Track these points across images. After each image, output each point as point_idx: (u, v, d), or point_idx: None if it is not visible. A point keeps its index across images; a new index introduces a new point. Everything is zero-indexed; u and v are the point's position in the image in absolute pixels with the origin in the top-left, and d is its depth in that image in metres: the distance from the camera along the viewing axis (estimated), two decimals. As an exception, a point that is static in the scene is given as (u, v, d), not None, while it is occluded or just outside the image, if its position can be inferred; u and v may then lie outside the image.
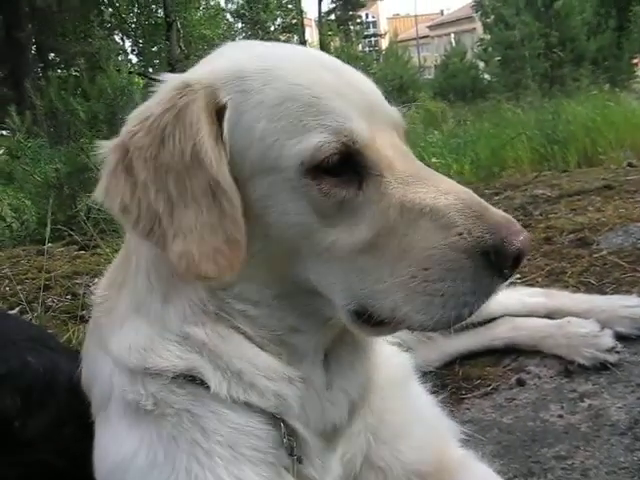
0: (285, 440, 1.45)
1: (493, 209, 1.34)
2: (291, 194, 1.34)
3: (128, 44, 37.59)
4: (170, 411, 1.42)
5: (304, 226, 1.35)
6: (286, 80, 1.37)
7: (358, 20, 61.78)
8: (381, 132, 1.40)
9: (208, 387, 1.41)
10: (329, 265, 1.36)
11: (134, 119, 1.39)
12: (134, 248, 1.51)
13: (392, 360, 1.80)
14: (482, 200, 1.36)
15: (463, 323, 1.35)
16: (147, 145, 1.32)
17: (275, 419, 1.44)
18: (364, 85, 1.48)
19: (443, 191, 1.33)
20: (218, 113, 1.37)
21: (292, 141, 1.32)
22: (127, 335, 1.46)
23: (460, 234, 1.28)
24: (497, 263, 1.28)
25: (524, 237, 1.29)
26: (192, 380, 1.42)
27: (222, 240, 1.30)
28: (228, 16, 50.12)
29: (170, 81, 1.41)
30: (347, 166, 1.34)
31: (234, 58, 1.45)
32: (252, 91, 1.37)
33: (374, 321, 1.38)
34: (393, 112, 1.51)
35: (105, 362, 1.51)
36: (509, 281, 1.34)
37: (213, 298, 1.41)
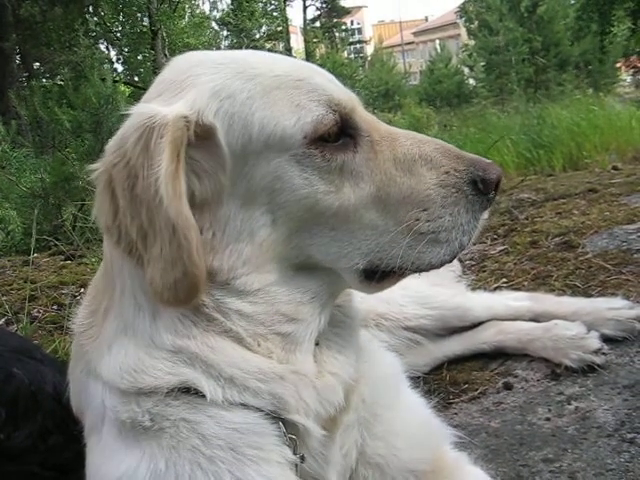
0: (286, 439, 1.46)
1: (465, 152, 1.56)
2: (298, 168, 1.44)
3: (113, 53, 37.57)
4: (167, 423, 1.41)
5: (311, 197, 1.45)
6: (265, 75, 1.47)
7: (343, 27, 62.00)
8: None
9: (203, 396, 1.41)
10: (335, 232, 1.48)
11: (113, 149, 1.41)
12: (117, 272, 1.50)
13: (383, 357, 1.84)
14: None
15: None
16: (124, 177, 1.36)
17: (274, 418, 1.45)
18: (325, 72, 1.60)
19: (423, 141, 1.53)
20: (201, 138, 1.41)
21: (292, 120, 1.43)
22: (116, 357, 1.45)
23: (447, 172, 1.49)
24: (484, 189, 1.49)
25: (497, 167, 1.53)
26: (186, 391, 1.43)
27: (181, 273, 1.35)
28: (213, 24, 50.26)
29: (140, 113, 1.41)
30: (341, 134, 1.48)
31: (204, 81, 1.46)
32: (235, 92, 1.44)
33: (381, 275, 1.51)
34: (352, 92, 1.65)
35: (95, 387, 1.50)
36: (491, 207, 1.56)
37: (209, 298, 1.43)
